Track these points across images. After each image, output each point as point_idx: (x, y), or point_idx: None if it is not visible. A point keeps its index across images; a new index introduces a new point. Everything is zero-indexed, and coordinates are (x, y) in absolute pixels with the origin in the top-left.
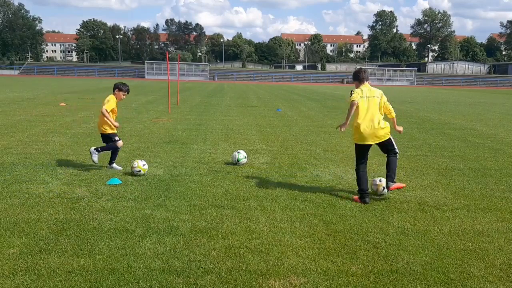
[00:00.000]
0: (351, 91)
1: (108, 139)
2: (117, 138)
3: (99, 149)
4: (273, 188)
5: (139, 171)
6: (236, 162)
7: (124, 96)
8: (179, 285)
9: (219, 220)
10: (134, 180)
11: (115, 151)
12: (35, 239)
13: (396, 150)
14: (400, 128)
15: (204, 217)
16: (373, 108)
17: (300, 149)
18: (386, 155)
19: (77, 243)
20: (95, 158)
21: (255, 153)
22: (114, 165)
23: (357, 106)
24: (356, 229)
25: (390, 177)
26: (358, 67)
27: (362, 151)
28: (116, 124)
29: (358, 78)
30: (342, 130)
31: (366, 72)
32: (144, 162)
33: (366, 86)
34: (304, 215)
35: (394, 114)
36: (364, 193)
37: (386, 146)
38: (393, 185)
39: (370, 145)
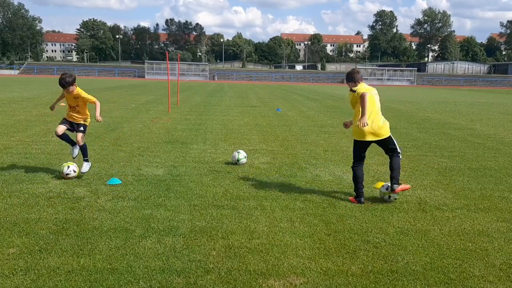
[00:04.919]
0: (351, 89)
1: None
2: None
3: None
4: (273, 188)
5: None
6: (236, 162)
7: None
8: (179, 285)
9: (219, 220)
10: (134, 180)
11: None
12: (35, 239)
13: (398, 150)
14: None
15: (204, 217)
16: (374, 105)
17: (300, 149)
18: (388, 156)
19: (77, 243)
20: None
21: (255, 153)
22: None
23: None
24: (356, 229)
25: (394, 179)
26: (355, 67)
27: (360, 148)
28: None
29: (353, 79)
30: (366, 124)
31: (360, 72)
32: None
33: (363, 85)
34: (304, 215)
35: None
36: (359, 191)
37: (387, 145)
38: (399, 187)
39: (369, 142)
